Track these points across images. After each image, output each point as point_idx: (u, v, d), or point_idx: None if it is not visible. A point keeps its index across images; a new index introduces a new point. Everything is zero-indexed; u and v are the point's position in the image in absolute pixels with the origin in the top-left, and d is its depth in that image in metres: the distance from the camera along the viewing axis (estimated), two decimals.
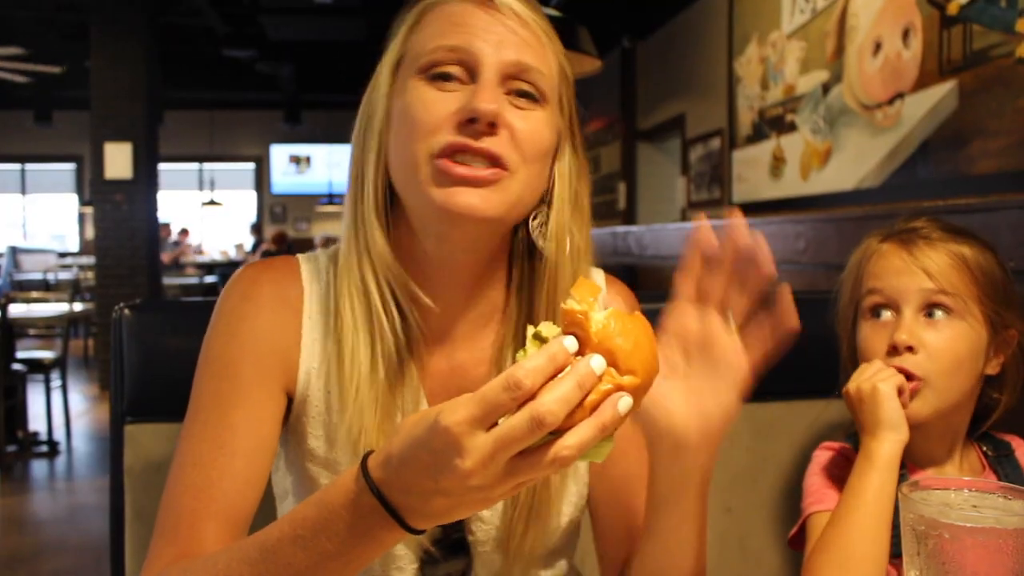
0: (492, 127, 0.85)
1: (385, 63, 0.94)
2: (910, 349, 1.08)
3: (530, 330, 0.66)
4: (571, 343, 0.61)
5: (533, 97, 0.90)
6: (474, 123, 0.85)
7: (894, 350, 1.09)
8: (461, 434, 0.60)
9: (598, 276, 1.07)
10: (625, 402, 0.61)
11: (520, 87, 0.89)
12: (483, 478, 0.61)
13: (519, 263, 0.99)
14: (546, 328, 0.65)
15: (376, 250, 0.92)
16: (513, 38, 0.89)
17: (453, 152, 0.85)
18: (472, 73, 0.88)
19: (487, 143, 0.85)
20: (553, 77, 0.92)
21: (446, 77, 0.88)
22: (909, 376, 1.08)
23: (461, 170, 0.85)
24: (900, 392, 1.06)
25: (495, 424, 0.61)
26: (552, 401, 0.59)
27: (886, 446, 1.03)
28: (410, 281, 0.93)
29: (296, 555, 0.72)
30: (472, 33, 0.88)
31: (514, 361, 0.62)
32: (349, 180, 0.97)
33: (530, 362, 0.60)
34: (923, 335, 1.09)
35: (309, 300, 0.97)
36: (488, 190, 0.86)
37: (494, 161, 0.86)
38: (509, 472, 0.62)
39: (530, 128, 0.88)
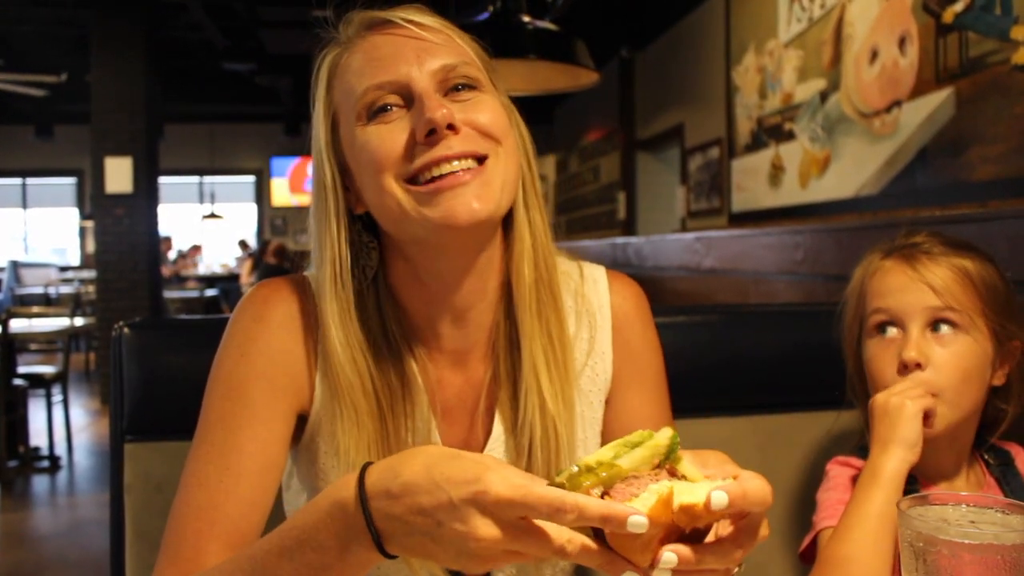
0: (452, 129, 0.88)
1: (318, 126, 0.96)
2: (919, 366, 1.09)
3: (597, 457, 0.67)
4: (639, 521, 0.61)
5: (472, 86, 0.93)
6: (434, 134, 0.87)
7: (904, 367, 1.10)
8: (492, 504, 0.63)
9: (599, 272, 1.08)
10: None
11: (455, 83, 0.92)
12: (481, 550, 0.64)
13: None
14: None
15: (352, 316, 0.94)
16: (428, 45, 0.91)
17: (429, 168, 0.87)
18: (408, 97, 0.90)
19: (457, 145, 0.88)
20: (477, 64, 0.95)
21: (386, 109, 0.90)
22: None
23: (447, 180, 0.87)
24: (926, 416, 1.06)
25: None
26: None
27: (894, 463, 1.04)
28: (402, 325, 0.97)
29: (282, 566, 0.73)
30: (391, 62, 0.90)
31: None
32: (315, 245, 0.97)
33: (589, 504, 0.62)
34: (931, 351, 1.09)
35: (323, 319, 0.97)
36: (477, 185, 0.88)
37: (471, 158, 0.89)
38: (506, 554, 0.65)
39: (485, 111, 0.91)
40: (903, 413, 1.05)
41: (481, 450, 0.99)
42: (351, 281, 0.94)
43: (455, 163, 0.88)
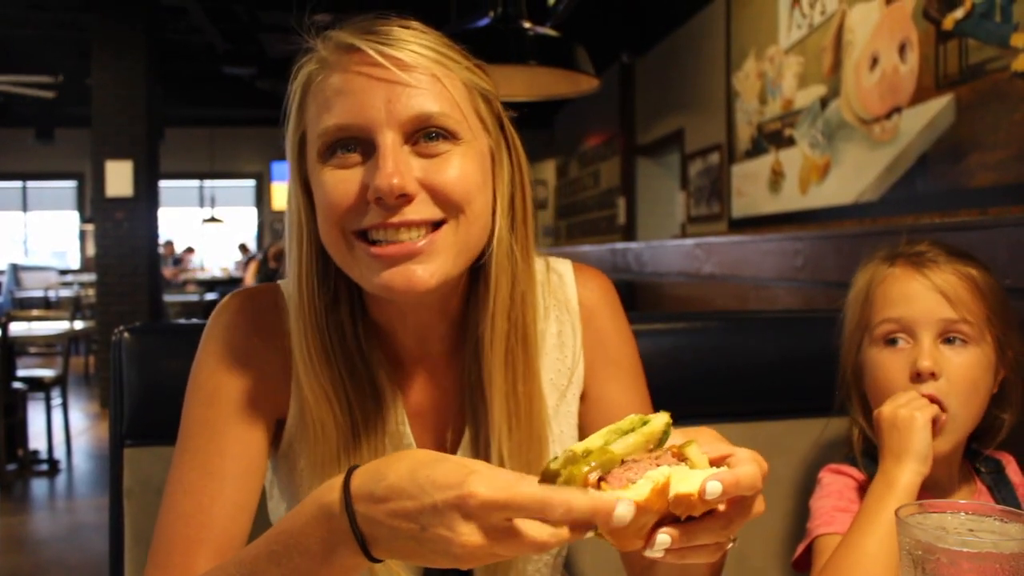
0: (404, 198, 0.82)
1: (289, 138, 0.92)
2: (933, 375, 1.08)
3: (585, 445, 0.67)
4: (624, 511, 0.61)
5: (447, 137, 0.85)
6: (383, 200, 0.82)
7: (917, 377, 1.09)
8: (477, 507, 0.62)
9: (564, 266, 1.07)
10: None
11: (428, 133, 0.84)
12: (466, 554, 0.64)
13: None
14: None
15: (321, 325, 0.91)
16: (403, 90, 0.83)
17: (377, 231, 0.84)
18: (369, 145, 0.84)
19: (408, 214, 0.83)
20: (460, 108, 0.86)
21: (347, 149, 0.84)
22: (933, 402, 1.08)
23: (391, 249, 0.83)
24: (933, 424, 1.06)
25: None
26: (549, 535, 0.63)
27: (908, 475, 1.04)
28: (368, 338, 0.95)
29: (270, 571, 0.73)
30: (358, 104, 0.83)
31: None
32: (288, 248, 0.94)
33: (576, 500, 0.62)
34: (943, 361, 1.09)
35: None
36: (424, 256, 0.83)
37: (424, 226, 0.84)
38: (491, 554, 0.64)
39: (452, 170, 0.84)
40: (914, 425, 1.04)
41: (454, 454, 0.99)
42: (311, 291, 0.90)
43: (402, 232, 0.83)
